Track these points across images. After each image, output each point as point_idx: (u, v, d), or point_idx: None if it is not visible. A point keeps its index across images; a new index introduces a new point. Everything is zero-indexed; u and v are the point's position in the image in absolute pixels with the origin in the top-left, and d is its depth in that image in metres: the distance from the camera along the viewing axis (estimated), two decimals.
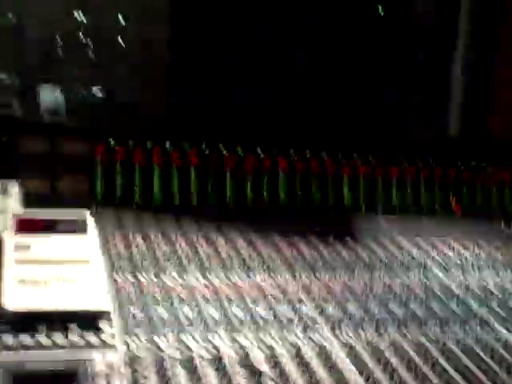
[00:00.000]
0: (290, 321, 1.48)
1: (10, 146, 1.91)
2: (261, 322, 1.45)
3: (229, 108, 2.22)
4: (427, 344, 1.45)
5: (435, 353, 1.42)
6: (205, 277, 1.62)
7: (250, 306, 1.52)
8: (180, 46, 2.41)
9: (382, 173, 2.22)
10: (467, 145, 2.54)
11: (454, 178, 2.30)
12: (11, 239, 1.52)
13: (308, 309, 1.54)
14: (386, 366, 1.35)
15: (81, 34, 7.00)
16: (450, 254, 1.95)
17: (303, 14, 2.23)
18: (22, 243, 1.51)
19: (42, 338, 1.29)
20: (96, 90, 6.57)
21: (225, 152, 2.04)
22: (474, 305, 1.66)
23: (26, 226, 1.57)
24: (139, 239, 1.77)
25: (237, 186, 2.06)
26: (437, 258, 1.90)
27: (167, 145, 2.00)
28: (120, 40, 6.88)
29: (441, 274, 1.81)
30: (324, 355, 1.37)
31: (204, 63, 2.26)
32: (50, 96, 2.05)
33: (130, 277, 1.57)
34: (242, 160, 2.07)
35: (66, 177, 1.95)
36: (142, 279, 1.57)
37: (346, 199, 2.16)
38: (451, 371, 1.36)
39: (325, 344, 1.41)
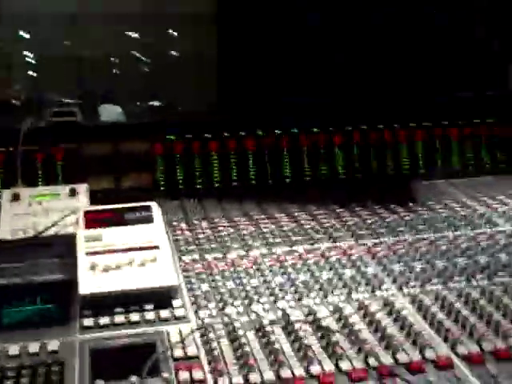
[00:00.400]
0: (357, 282, 1.50)
1: (77, 151, 2.02)
2: (326, 286, 1.48)
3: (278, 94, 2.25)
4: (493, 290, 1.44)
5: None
6: (269, 250, 1.66)
7: (315, 272, 1.54)
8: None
9: (440, 136, 2.20)
10: None
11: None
12: (85, 233, 1.61)
13: (374, 269, 1.56)
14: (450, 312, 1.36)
15: (134, 51, 7.21)
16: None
17: None
18: (94, 235, 1.60)
19: (118, 318, 1.37)
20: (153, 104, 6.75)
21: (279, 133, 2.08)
22: None
23: (96, 221, 1.66)
24: (203, 223, 1.83)
25: (293, 163, 2.09)
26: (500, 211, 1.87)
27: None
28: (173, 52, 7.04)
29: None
30: (390, 308, 1.39)
31: (254, 64, 2.30)
32: (110, 115, 2.15)
33: (197, 257, 1.64)
34: (297, 137, 2.11)
35: (130, 174, 2.04)
36: (209, 258, 1.63)
37: (404, 166, 2.15)
38: None
39: (391, 298, 1.42)
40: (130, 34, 6.87)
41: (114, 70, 6.98)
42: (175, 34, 7.23)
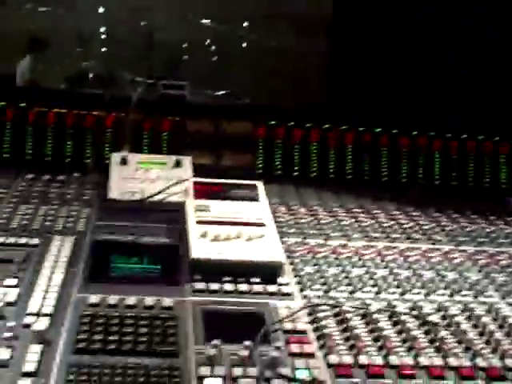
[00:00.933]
0: (458, 284, 1.51)
1: (182, 125, 2.08)
2: (429, 285, 1.49)
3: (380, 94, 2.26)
4: None
5: None
6: (369, 243, 1.69)
7: (418, 270, 1.56)
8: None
9: None
10: None
11: None
12: (194, 203, 1.66)
13: (475, 276, 1.56)
14: None
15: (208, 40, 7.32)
16: None
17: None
18: (203, 206, 1.66)
19: (228, 286, 1.42)
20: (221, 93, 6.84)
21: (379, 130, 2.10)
22: None
23: (204, 192, 1.72)
24: (301, 208, 1.86)
25: (391, 165, 2.11)
26: None
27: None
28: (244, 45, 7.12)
29: None
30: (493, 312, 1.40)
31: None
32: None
33: (299, 240, 1.67)
34: (396, 139, 2.12)
35: (231, 152, 2.09)
36: (311, 242, 1.66)
37: (500, 179, 2.14)
38: None
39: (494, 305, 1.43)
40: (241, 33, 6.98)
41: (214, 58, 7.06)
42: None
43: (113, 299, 1.33)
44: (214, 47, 7.37)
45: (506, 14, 2.22)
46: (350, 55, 2.16)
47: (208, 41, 7.35)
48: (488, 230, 1.82)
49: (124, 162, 1.93)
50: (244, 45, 7.10)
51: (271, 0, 7.19)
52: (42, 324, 1.21)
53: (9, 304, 1.29)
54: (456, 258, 1.64)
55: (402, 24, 2.21)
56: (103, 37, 7.84)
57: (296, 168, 2.10)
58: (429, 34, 2.24)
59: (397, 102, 2.20)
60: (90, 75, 6.85)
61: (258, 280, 1.44)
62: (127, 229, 1.64)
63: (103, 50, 7.52)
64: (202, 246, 1.50)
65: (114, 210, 1.76)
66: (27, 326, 1.22)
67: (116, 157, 1.94)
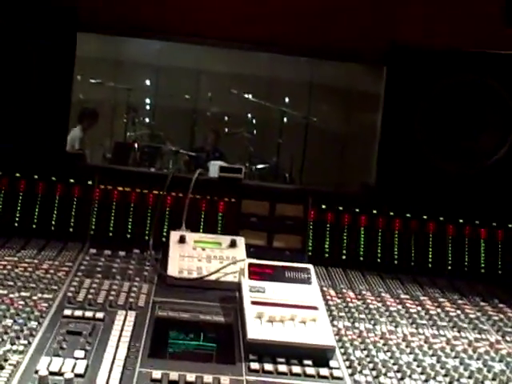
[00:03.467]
0: (507, 376, 1.54)
1: (236, 205, 2.20)
2: (477, 375, 1.53)
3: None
4: None
5: None
6: (416, 330, 1.74)
7: (466, 359, 1.60)
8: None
9: None
10: None
11: None
12: (248, 283, 1.75)
13: None
14: None
15: (249, 114, 7.56)
16: None
17: None
18: (258, 287, 1.74)
19: (282, 367, 1.48)
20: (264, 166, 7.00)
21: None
22: None
23: (258, 273, 1.80)
24: (350, 293, 1.93)
25: (437, 250, 2.18)
26: None
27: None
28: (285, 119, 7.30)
29: None
30: None
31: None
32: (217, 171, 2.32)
33: (348, 324, 1.73)
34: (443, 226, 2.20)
35: (281, 234, 2.19)
36: (361, 327, 1.72)
37: None
38: None
39: None
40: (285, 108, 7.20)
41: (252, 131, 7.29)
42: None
43: (174, 375, 1.40)
44: (254, 121, 7.63)
45: None
46: (401, 137, 2.26)
47: (249, 115, 7.62)
48: None
49: (182, 240, 2.04)
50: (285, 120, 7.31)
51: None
52: None
53: (78, 375, 1.37)
54: (502, 348, 1.68)
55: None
56: (148, 108, 8.20)
57: (344, 252, 2.18)
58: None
59: (443, 191, 2.28)
60: (136, 147, 7.13)
61: (310, 363, 1.51)
62: (185, 306, 1.74)
63: (148, 121, 7.84)
64: (257, 327, 1.58)
65: (172, 286, 1.86)
66: None
67: (175, 235, 2.06)
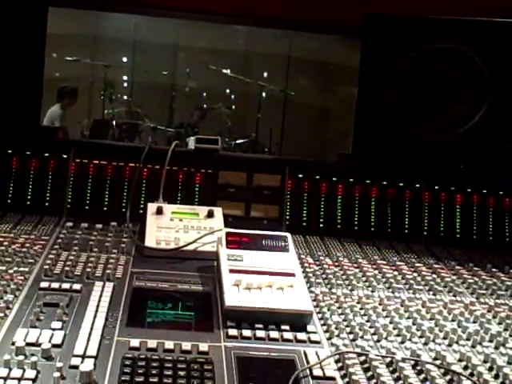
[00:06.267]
0: (481, 336, 1.57)
1: (213, 176, 2.20)
2: (452, 335, 1.56)
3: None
4: None
5: None
6: (393, 294, 1.76)
7: (440, 321, 1.63)
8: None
9: None
10: None
11: None
12: (226, 252, 1.76)
13: (494, 327, 1.62)
14: None
15: (227, 89, 7.51)
16: None
17: None
18: (235, 255, 1.75)
19: (260, 332, 1.49)
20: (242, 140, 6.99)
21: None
22: None
23: (236, 243, 1.81)
24: (328, 260, 1.95)
25: (413, 218, 2.20)
26: None
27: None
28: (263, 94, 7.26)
29: None
30: None
31: None
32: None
33: (326, 290, 1.75)
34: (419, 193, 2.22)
35: (259, 204, 2.20)
36: (338, 293, 1.74)
37: None
38: None
39: None
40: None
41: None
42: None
43: (152, 343, 1.41)
44: (233, 96, 7.59)
45: None
46: (377, 106, 2.26)
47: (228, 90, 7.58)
48: (509, 283, 1.89)
49: (159, 211, 2.04)
50: (264, 94, 7.29)
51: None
52: (87, 365, 1.30)
53: (55, 345, 1.37)
54: (476, 310, 1.71)
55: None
56: (126, 85, 8.11)
57: (322, 220, 2.19)
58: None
59: (419, 159, 2.29)
60: (114, 123, 7.07)
61: (287, 328, 1.52)
62: (163, 276, 1.74)
63: (126, 98, 7.77)
64: (235, 295, 1.59)
65: (150, 257, 1.86)
66: (74, 367, 1.30)
67: (152, 207, 2.05)
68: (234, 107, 7.46)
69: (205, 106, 7.38)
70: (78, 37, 7.35)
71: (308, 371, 1.36)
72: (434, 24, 2.30)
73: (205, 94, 7.60)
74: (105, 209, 2.18)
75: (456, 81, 2.32)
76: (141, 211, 2.15)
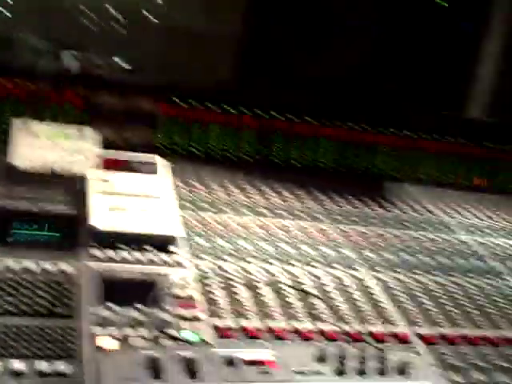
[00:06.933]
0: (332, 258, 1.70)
1: (87, 97, 2.14)
2: (307, 257, 1.67)
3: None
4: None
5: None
6: (257, 218, 1.84)
7: (298, 244, 1.74)
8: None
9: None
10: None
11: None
12: (95, 174, 1.74)
13: (346, 251, 1.76)
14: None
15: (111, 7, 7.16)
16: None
17: None
18: (104, 177, 1.74)
19: (124, 254, 1.52)
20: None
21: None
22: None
23: (106, 164, 1.80)
24: (199, 185, 1.99)
25: (283, 148, 2.27)
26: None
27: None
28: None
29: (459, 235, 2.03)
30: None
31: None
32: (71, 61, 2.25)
33: (194, 213, 1.80)
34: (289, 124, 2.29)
35: (133, 127, 2.17)
36: (205, 216, 1.79)
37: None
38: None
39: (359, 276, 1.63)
40: None
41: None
42: None
43: (12, 263, 1.40)
44: (115, 15, 7.24)
45: None
46: (261, 40, 2.28)
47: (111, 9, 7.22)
48: (363, 211, 2.04)
49: (27, 130, 1.96)
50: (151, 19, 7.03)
51: None
52: None
53: None
54: (332, 234, 1.83)
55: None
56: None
57: (195, 146, 2.21)
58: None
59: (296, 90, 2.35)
60: None
61: (152, 249, 1.56)
62: (29, 196, 1.70)
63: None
64: (100, 216, 1.59)
65: (17, 177, 1.80)
66: None
67: (18, 123, 1.97)
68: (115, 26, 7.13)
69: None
70: None
71: (169, 291, 1.42)
72: None
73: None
74: None
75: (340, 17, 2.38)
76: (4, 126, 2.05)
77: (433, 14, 2.54)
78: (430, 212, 2.15)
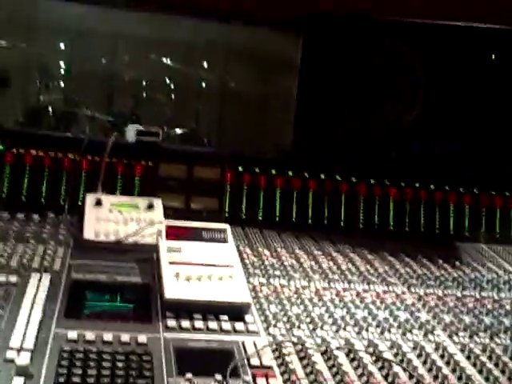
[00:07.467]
0: (411, 324, 1.64)
1: (153, 169, 2.20)
2: (384, 324, 1.62)
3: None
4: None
5: None
6: (329, 284, 1.82)
7: (374, 310, 1.69)
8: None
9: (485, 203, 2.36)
10: None
11: None
12: (166, 244, 1.77)
13: (423, 315, 1.70)
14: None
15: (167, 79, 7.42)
16: None
17: None
18: (175, 247, 1.76)
19: (198, 323, 1.52)
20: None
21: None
22: None
23: (175, 235, 1.82)
24: (266, 251, 1.99)
25: (348, 209, 2.27)
26: None
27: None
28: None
29: None
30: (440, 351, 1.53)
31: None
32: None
33: (264, 281, 1.79)
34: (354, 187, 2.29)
35: (199, 197, 2.21)
36: (275, 283, 1.78)
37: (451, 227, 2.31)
38: None
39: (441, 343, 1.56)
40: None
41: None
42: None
43: (90, 335, 1.41)
44: (172, 86, 7.49)
45: None
46: (317, 101, 2.32)
47: (168, 80, 7.48)
48: (437, 273, 1.98)
49: (98, 203, 2.02)
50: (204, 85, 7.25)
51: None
52: (24, 358, 1.29)
53: None
54: (407, 299, 1.78)
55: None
56: (63, 72, 7.91)
57: (260, 213, 2.23)
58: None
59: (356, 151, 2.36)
60: (50, 111, 6.89)
61: (226, 318, 1.55)
62: (102, 268, 1.73)
63: (63, 85, 7.56)
64: (174, 286, 1.60)
65: (89, 249, 1.85)
66: (10, 360, 1.29)
67: (91, 198, 2.04)
68: (173, 97, 7.38)
69: (144, 95, 7.28)
70: (14, 22, 7.11)
71: (246, 361, 1.40)
72: (374, 23, 2.37)
73: (144, 84, 7.49)
74: (42, 201, 2.14)
75: (392, 77, 2.40)
76: (80, 203, 2.13)
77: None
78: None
